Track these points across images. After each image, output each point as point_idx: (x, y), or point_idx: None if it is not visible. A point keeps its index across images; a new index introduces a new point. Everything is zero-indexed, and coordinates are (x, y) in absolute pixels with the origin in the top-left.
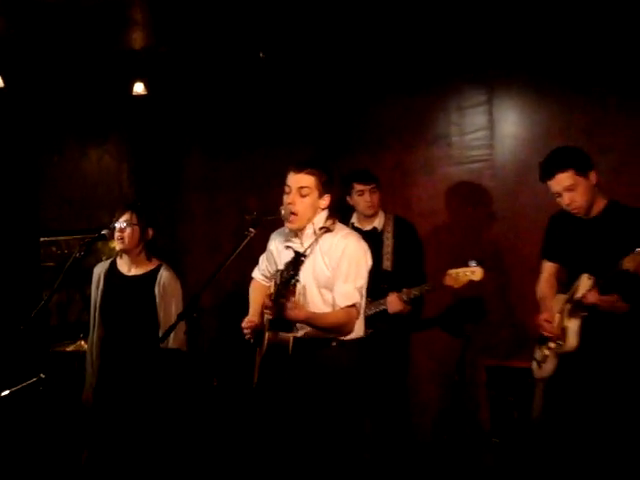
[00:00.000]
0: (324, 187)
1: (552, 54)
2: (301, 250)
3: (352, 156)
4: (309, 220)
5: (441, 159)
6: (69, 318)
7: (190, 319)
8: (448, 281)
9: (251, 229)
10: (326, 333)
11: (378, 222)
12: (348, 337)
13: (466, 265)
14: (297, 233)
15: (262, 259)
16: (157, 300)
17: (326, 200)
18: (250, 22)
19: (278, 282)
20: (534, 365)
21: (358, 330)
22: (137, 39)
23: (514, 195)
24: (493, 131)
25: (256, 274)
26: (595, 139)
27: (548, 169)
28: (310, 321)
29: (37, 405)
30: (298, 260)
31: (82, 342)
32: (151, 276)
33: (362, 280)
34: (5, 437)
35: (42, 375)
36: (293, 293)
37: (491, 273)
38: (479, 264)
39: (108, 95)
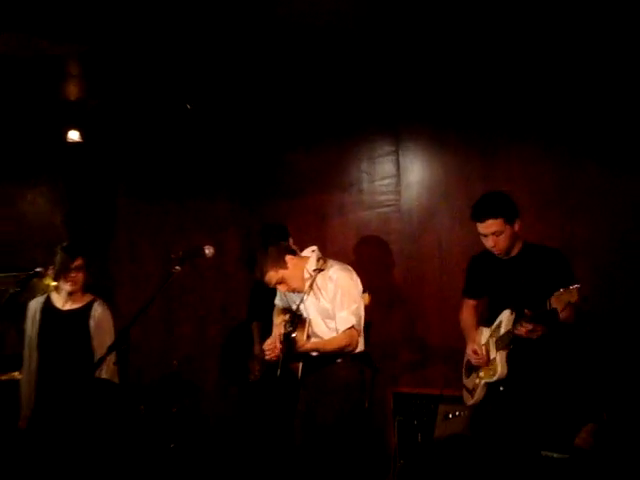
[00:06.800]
0: (281, 263)
1: (453, 108)
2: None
3: (273, 202)
4: (299, 281)
5: (353, 204)
6: (4, 351)
7: (120, 351)
8: None
9: (177, 267)
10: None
11: None
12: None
13: None
14: None
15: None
16: (91, 333)
17: (290, 261)
18: (177, 77)
19: (283, 331)
20: (465, 394)
21: (360, 345)
22: (72, 91)
23: (418, 237)
24: (400, 178)
25: (277, 301)
26: (490, 187)
27: (480, 213)
28: (316, 349)
29: None
30: (294, 318)
31: (15, 373)
32: (85, 310)
33: (355, 303)
34: None
35: None
36: (294, 341)
37: (396, 308)
38: (365, 291)
39: (42, 141)
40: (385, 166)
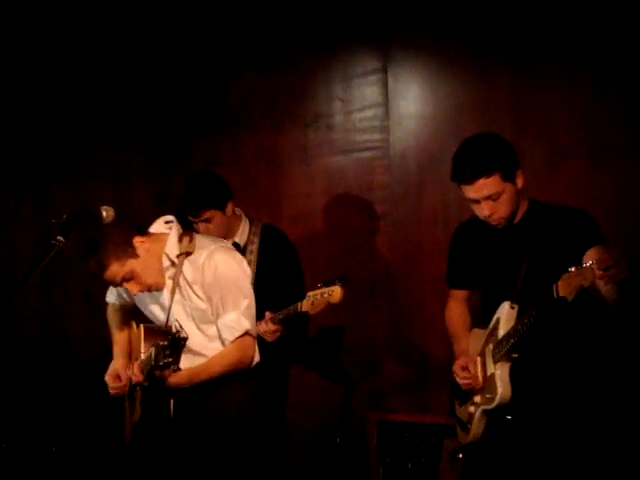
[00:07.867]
0: (127, 249)
1: (466, 8)
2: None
3: (204, 143)
4: (155, 274)
5: (320, 145)
6: None
7: None
8: (305, 306)
9: (59, 238)
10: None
11: (240, 236)
12: None
13: (325, 285)
14: None
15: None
16: None
17: (140, 246)
18: None
19: (152, 360)
20: (459, 429)
21: (256, 356)
22: None
23: (415, 194)
24: (389, 109)
25: (112, 299)
26: (524, 120)
27: (466, 171)
28: (196, 379)
29: None
30: (178, 345)
31: None
32: None
33: (246, 299)
34: None
35: None
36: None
37: (381, 297)
38: (339, 281)
39: None
40: (367, 90)
